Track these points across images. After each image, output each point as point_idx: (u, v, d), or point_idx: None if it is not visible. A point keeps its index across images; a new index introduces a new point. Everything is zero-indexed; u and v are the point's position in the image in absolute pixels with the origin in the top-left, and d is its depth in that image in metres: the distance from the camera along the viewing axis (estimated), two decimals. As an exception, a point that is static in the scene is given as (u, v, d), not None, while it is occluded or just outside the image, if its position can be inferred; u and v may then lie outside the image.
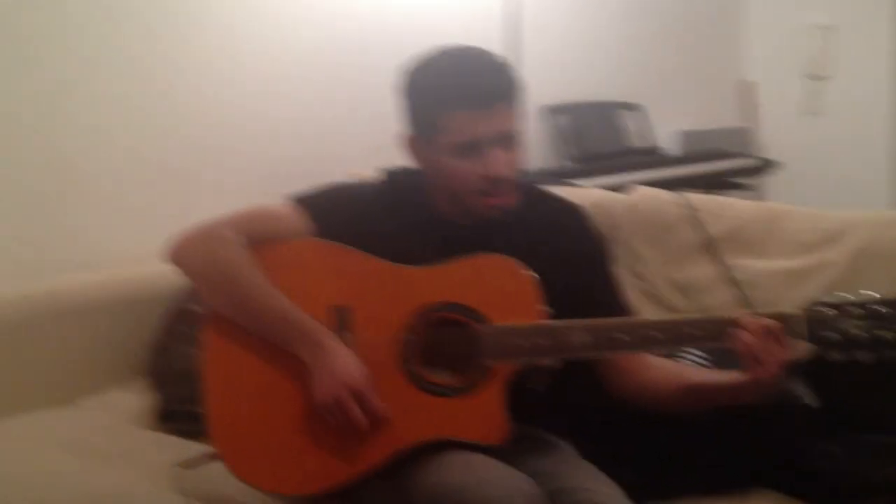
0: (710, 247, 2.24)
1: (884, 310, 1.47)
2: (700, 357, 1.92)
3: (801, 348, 1.53)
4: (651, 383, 1.67)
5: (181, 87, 2.64)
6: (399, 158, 1.77)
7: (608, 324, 1.55)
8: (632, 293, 2.29)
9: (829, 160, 5.00)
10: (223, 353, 1.61)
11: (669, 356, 1.86)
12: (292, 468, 1.56)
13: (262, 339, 1.59)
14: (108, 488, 1.71)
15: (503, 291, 1.58)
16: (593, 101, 4.11)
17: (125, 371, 2.26)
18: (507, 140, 1.62)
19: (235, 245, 1.61)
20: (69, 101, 2.38)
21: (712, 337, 1.51)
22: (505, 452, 1.53)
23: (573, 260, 1.72)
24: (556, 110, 3.93)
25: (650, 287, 2.29)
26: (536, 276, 1.58)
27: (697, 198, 2.35)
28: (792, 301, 2.03)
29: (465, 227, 1.70)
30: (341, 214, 1.69)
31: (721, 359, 1.86)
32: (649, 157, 4.14)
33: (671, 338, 1.53)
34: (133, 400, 2.18)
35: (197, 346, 1.64)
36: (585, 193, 2.56)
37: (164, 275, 1.71)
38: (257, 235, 1.64)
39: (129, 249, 2.42)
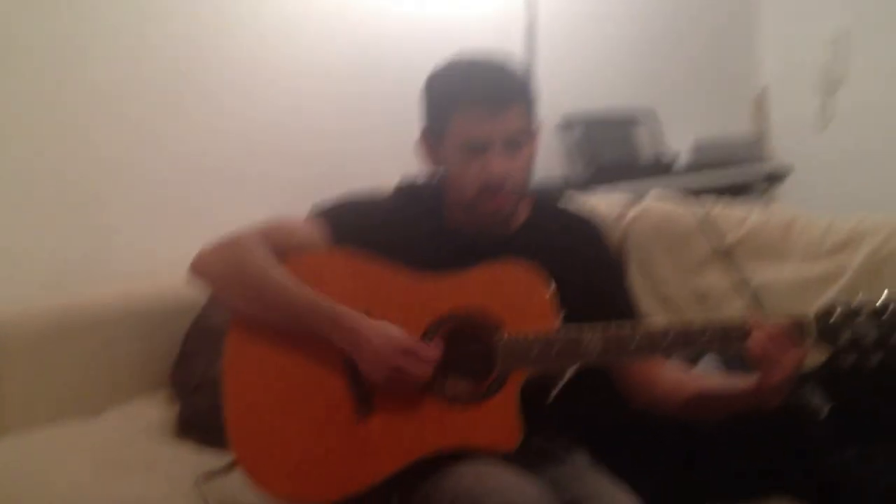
0: (725, 255, 2.24)
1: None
2: (715, 363, 1.93)
3: (815, 351, 1.54)
4: (665, 391, 1.68)
5: (203, 106, 2.64)
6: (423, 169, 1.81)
7: (621, 330, 1.56)
8: (647, 302, 2.31)
9: (843, 169, 4.99)
10: (244, 363, 1.63)
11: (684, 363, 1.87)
12: (310, 477, 1.57)
13: (283, 348, 1.60)
14: (130, 499, 1.73)
15: (520, 299, 1.60)
16: (607, 110, 4.12)
17: (148, 382, 2.27)
18: (513, 144, 1.64)
19: (257, 250, 1.64)
20: (92, 124, 2.38)
21: (726, 341, 1.52)
22: (521, 461, 1.54)
23: (587, 271, 1.74)
24: (570, 120, 3.94)
25: (665, 296, 2.30)
26: (553, 282, 1.59)
27: (712, 206, 2.35)
28: (807, 307, 2.04)
29: (478, 237, 1.72)
30: (358, 226, 1.72)
31: (735, 365, 1.87)
32: (662, 167, 4.14)
33: (685, 342, 1.54)
34: (155, 411, 2.19)
35: (218, 357, 1.66)
36: (598, 203, 2.57)
37: (186, 286, 1.73)
38: (277, 247, 1.66)
39: (153, 265, 2.43)
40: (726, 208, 2.33)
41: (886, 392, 1.80)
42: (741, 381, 1.57)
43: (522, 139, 1.66)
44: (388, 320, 1.60)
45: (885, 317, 1.47)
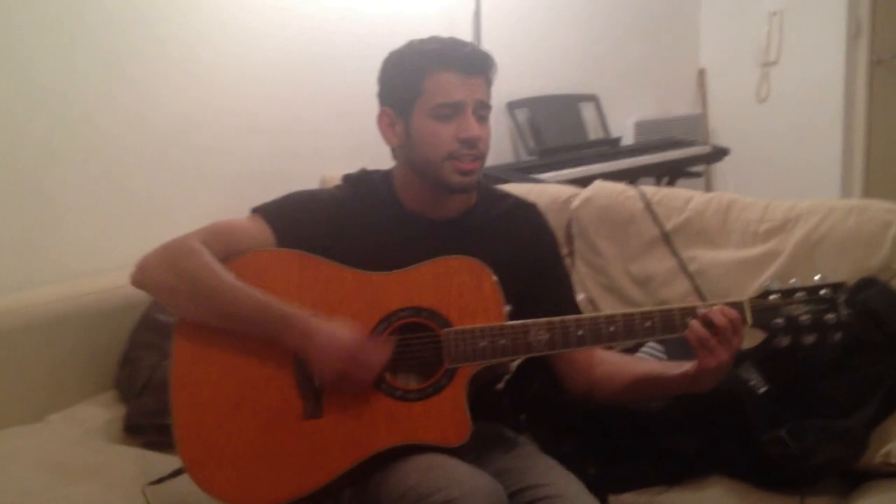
0: (667, 239, 2.27)
1: (828, 293, 1.52)
2: (656, 350, 1.97)
3: (752, 336, 1.58)
4: (604, 378, 1.72)
5: (149, 101, 2.62)
6: (373, 161, 1.83)
7: (566, 321, 1.59)
8: (591, 286, 2.35)
9: (780, 146, 5.08)
10: (191, 366, 1.62)
11: (624, 350, 1.91)
12: (259, 479, 1.57)
13: (231, 350, 1.60)
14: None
15: (466, 293, 1.61)
16: (551, 94, 4.15)
17: (93, 385, 2.25)
18: (481, 114, 1.68)
19: (202, 252, 1.62)
20: (36, 119, 2.36)
21: (667, 328, 1.56)
22: (468, 452, 1.56)
23: (531, 259, 1.77)
24: (515, 105, 3.96)
25: (608, 280, 2.33)
26: (496, 277, 1.61)
27: (654, 190, 2.38)
28: (745, 291, 2.09)
29: (429, 221, 1.74)
30: (302, 221, 1.71)
31: (675, 351, 1.91)
32: (607, 149, 4.19)
33: (627, 331, 1.57)
34: (101, 413, 2.18)
35: (165, 356, 1.64)
36: (544, 188, 2.60)
37: (131, 286, 1.71)
38: (221, 248, 1.65)
39: (98, 264, 2.41)
40: (668, 194, 2.36)
41: (817, 370, 1.85)
42: (678, 366, 1.61)
43: (486, 113, 1.69)
44: (337, 318, 1.61)
45: (817, 299, 1.53)
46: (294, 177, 2.34)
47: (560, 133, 4.09)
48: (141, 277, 1.65)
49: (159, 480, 1.65)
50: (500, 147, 3.91)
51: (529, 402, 1.86)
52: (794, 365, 1.85)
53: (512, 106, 3.93)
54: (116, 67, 2.52)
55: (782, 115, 5.09)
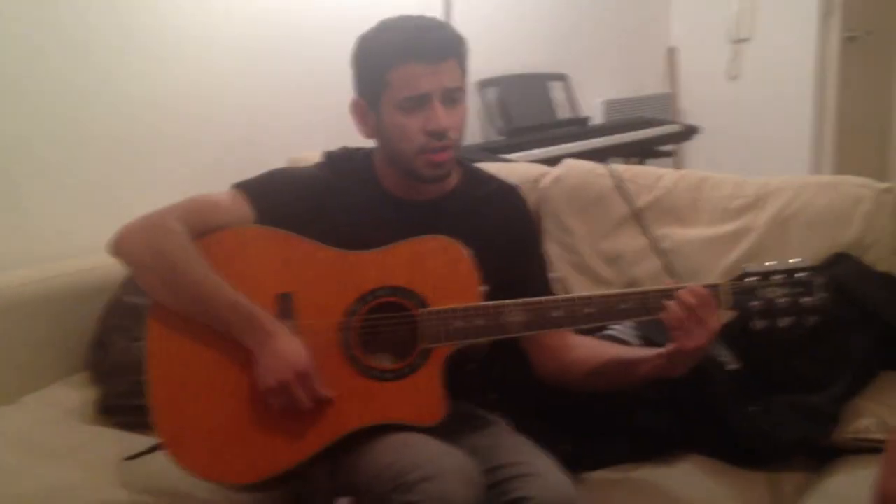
0: (637, 217, 2.28)
1: (805, 276, 1.53)
2: (629, 329, 1.97)
3: (727, 317, 1.59)
4: (576, 362, 1.73)
5: (119, 80, 2.60)
6: (343, 141, 1.81)
7: (542, 302, 1.60)
8: (561, 266, 2.35)
9: (752, 124, 5.09)
10: (166, 344, 1.62)
11: (599, 333, 1.92)
12: (235, 456, 1.58)
13: (206, 329, 1.60)
14: (53, 484, 1.71)
15: (443, 273, 1.62)
16: (520, 73, 4.15)
17: (66, 366, 2.24)
18: (452, 98, 1.66)
19: (179, 235, 1.61)
20: (2, 99, 2.33)
21: (643, 310, 1.57)
22: (443, 431, 1.56)
23: (510, 242, 1.78)
24: (484, 84, 3.96)
25: (579, 259, 2.33)
26: (474, 256, 1.61)
27: (624, 168, 2.38)
28: (716, 268, 2.10)
29: (410, 202, 1.74)
30: (282, 199, 1.71)
31: (651, 336, 1.92)
32: (576, 129, 4.20)
33: (603, 312, 1.58)
34: (74, 395, 2.17)
35: (136, 338, 1.64)
36: (514, 167, 2.59)
37: (102, 268, 1.70)
38: (200, 224, 1.64)
39: (68, 246, 2.39)
40: (638, 172, 2.37)
41: (787, 347, 1.86)
42: (652, 350, 1.62)
43: (457, 96, 1.67)
44: (313, 298, 1.62)
45: (793, 282, 1.53)
46: (262, 160, 2.32)
47: (529, 113, 4.09)
48: (118, 248, 1.65)
49: (136, 455, 1.66)
50: (470, 126, 3.86)
51: (501, 382, 1.87)
52: (765, 342, 1.86)
53: (481, 84, 3.93)
54: (82, 52, 2.50)
55: (754, 92, 5.10)
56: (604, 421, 1.89)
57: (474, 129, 3.99)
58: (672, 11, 5.33)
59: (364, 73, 1.70)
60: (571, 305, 1.58)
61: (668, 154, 4.89)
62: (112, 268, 1.66)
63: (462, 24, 2.16)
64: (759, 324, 1.54)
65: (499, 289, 1.63)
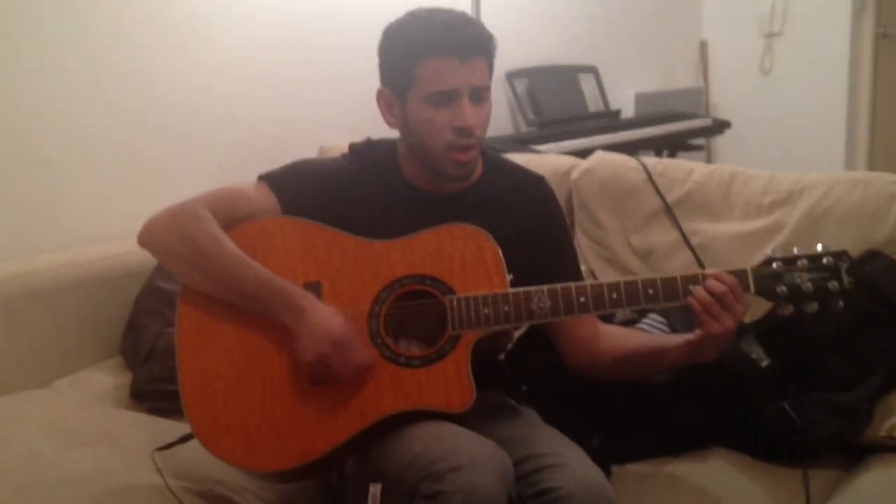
0: (668, 212, 2.27)
1: (829, 261, 1.53)
2: (658, 322, 1.97)
3: (755, 304, 1.58)
4: (605, 351, 1.73)
5: (149, 68, 2.62)
6: (373, 129, 1.81)
7: (568, 288, 1.59)
8: (591, 259, 2.35)
9: (784, 119, 5.05)
10: (197, 331, 1.62)
11: (627, 323, 1.92)
12: (266, 444, 1.58)
13: (237, 314, 1.60)
14: (86, 469, 1.72)
15: (469, 261, 1.62)
16: (551, 65, 4.14)
17: (99, 351, 2.27)
18: (479, 96, 1.65)
19: (207, 221, 1.62)
20: (36, 84, 2.36)
21: (669, 295, 1.56)
22: (472, 421, 1.56)
23: (536, 232, 1.77)
24: (514, 75, 3.95)
25: (609, 252, 2.33)
26: (498, 245, 1.61)
27: (655, 162, 2.37)
28: (748, 264, 2.08)
29: (433, 195, 1.74)
30: (306, 189, 1.72)
31: (678, 323, 1.92)
32: (607, 121, 4.18)
33: (630, 297, 1.57)
34: (107, 379, 2.19)
35: (169, 323, 1.65)
36: (544, 159, 2.59)
37: (135, 253, 1.71)
38: (226, 214, 1.65)
39: (101, 231, 2.42)
40: (670, 165, 2.36)
41: (819, 344, 1.86)
42: (681, 336, 1.62)
43: (484, 94, 1.67)
44: (340, 286, 1.62)
45: (819, 267, 1.53)
46: (292, 145, 2.34)
47: (559, 104, 4.08)
48: (146, 238, 1.66)
49: (168, 446, 1.66)
50: (499, 118, 3.90)
51: (530, 374, 1.87)
52: (797, 339, 1.86)
53: (511, 76, 3.92)
54: (116, 41, 2.52)
55: (786, 87, 5.05)
56: (634, 415, 1.89)
57: (504, 120, 3.98)
58: (704, 4, 5.29)
59: (391, 64, 1.69)
60: (597, 290, 1.58)
61: (698, 148, 4.86)
62: (146, 253, 1.66)
63: (492, 14, 2.16)
64: (786, 309, 1.54)
65: (526, 279, 1.63)
